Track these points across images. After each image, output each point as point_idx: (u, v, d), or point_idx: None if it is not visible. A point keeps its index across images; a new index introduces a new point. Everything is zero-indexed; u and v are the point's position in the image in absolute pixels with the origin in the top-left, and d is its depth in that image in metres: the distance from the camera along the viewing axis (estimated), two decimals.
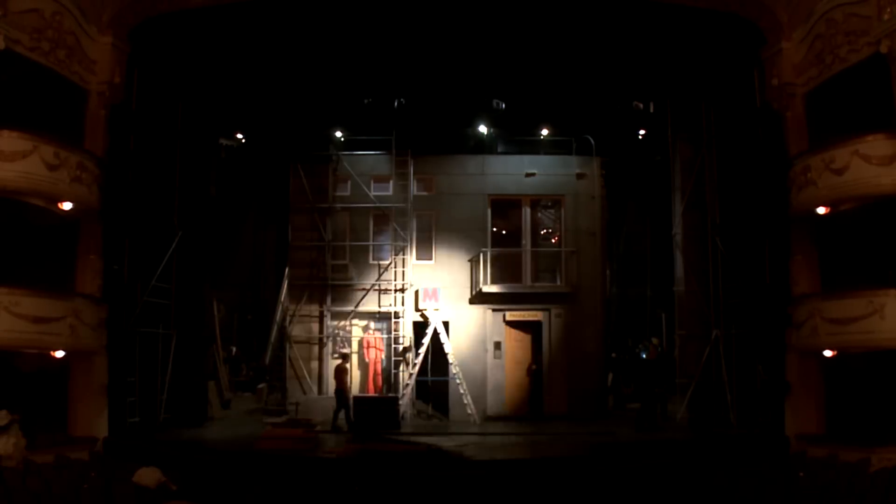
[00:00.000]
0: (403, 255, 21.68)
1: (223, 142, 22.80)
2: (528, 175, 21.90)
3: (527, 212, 22.33)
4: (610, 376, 22.98)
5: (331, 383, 20.76)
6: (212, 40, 17.35)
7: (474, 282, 21.69)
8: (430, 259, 22.15)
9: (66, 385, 15.86)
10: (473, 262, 21.74)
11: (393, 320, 21.45)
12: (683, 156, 20.82)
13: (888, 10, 13.94)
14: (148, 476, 12.38)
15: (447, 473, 14.11)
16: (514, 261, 22.07)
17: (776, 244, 16.62)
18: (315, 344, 21.73)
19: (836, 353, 15.29)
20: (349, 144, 22.03)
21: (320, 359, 21.69)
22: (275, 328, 25.25)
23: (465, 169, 22.29)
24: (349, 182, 22.07)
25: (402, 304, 21.51)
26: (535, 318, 21.87)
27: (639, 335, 24.56)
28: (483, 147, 22.27)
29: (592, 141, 21.96)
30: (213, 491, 12.70)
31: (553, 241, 23.01)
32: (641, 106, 20.20)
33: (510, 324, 21.96)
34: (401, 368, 21.15)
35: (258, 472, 14.14)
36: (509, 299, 21.82)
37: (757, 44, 16.91)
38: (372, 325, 21.83)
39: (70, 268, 15.95)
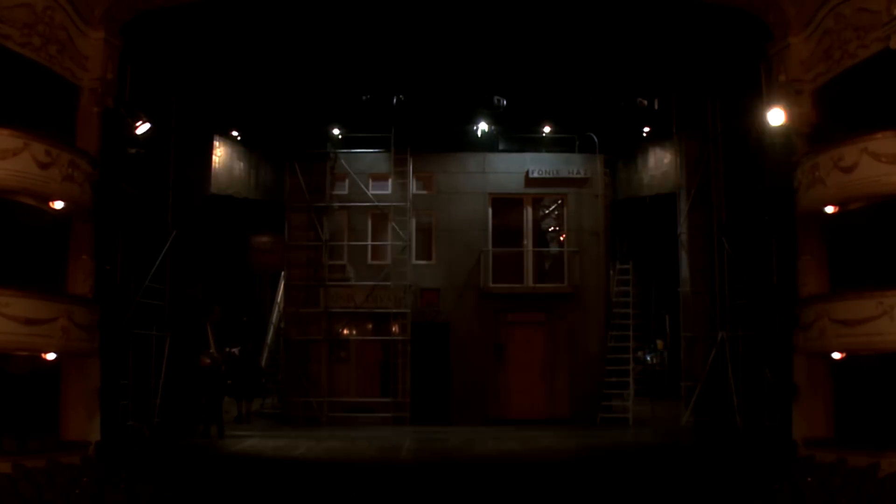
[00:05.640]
0: (403, 255, 21.34)
1: (218, 139, 22.48)
2: (530, 178, 21.62)
3: (528, 211, 22.06)
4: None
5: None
6: (207, 36, 17.07)
7: (475, 282, 21.39)
8: (430, 259, 21.86)
9: (58, 388, 15.60)
10: (474, 263, 21.43)
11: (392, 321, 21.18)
12: (689, 154, 20.55)
13: None
14: None
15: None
16: (516, 261, 21.79)
17: (783, 244, 16.36)
18: (313, 345, 21.42)
19: (844, 355, 15.01)
20: (347, 142, 21.78)
21: (319, 361, 21.39)
22: (271, 329, 25.05)
23: (465, 167, 22.04)
24: (347, 180, 21.80)
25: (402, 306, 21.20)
26: (538, 320, 21.58)
27: (643, 337, 24.36)
28: (484, 145, 21.97)
29: (595, 138, 21.70)
30: (209, 495, 12.49)
31: (556, 240, 22.72)
32: (646, 103, 19.92)
33: (512, 325, 21.67)
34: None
35: (254, 476, 13.88)
36: (511, 300, 21.56)
37: (763, 39, 16.66)
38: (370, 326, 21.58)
39: (62, 268, 15.68)
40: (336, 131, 21.53)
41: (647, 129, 22.28)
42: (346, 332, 21.67)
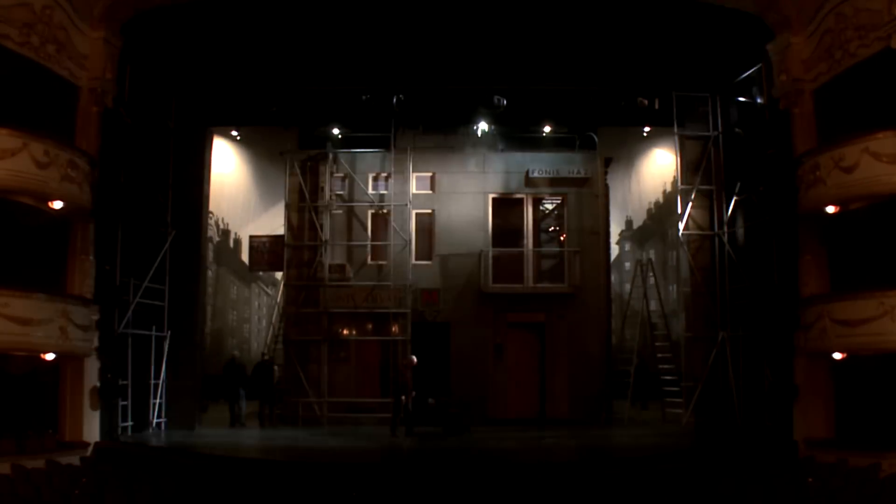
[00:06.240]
0: (403, 255, 21.29)
1: (218, 138, 22.46)
2: (530, 178, 21.59)
3: (528, 211, 21.99)
4: None
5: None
6: (206, 35, 17.11)
7: (475, 282, 21.33)
8: (430, 259, 21.80)
9: (57, 389, 15.60)
10: (474, 263, 21.38)
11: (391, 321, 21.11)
12: (689, 154, 20.51)
13: None
14: None
15: None
16: (516, 261, 21.69)
17: (784, 244, 16.37)
18: (313, 345, 21.38)
19: (845, 355, 15.01)
20: (347, 142, 21.67)
21: (319, 361, 21.34)
22: (270, 330, 24.99)
23: (465, 167, 21.94)
24: (347, 180, 21.73)
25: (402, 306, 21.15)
26: (538, 320, 21.52)
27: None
28: (484, 145, 21.91)
29: (596, 138, 21.64)
30: (207, 497, 12.41)
31: (558, 239, 22.67)
32: (646, 102, 19.84)
33: (512, 325, 21.61)
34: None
35: (252, 478, 13.85)
36: (511, 300, 21.45)
37: (764, 39, 16.66)
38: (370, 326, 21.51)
39: (61, 268, 15.69)
40: (336, 131, 21.45)
41: (647, 129, 22.24)
42: (345, 332, 21.58)
